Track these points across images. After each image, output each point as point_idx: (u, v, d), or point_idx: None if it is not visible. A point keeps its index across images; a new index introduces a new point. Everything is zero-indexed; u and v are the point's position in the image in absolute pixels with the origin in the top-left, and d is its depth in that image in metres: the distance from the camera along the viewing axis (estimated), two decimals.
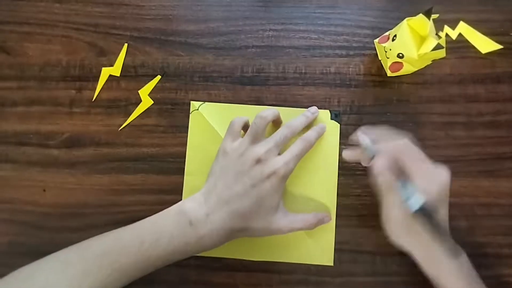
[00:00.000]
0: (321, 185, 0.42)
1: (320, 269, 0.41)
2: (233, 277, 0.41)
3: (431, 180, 0.35)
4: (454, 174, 0.42)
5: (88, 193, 0.43)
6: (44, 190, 0.43)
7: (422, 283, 0.40)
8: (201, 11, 0.46)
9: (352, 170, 0.42)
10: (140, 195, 0.43)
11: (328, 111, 0.43)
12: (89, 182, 0.43)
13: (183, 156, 0.43)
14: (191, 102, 0.43)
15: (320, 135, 0.41)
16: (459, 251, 0.35)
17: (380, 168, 0.35)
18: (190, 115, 0.43)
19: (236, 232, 0.36)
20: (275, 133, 0.38)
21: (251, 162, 0.36)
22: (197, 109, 0.43)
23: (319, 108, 0.43)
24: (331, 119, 0.43)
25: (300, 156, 0.38)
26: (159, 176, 0.43)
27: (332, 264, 0.41)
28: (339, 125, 0.43)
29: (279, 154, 0.37)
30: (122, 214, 0.42)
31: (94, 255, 0.33)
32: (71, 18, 0.46)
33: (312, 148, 0.41)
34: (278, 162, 0.36)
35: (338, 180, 0.42)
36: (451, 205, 0.42)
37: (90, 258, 0.33)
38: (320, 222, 0.39)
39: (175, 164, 0.43)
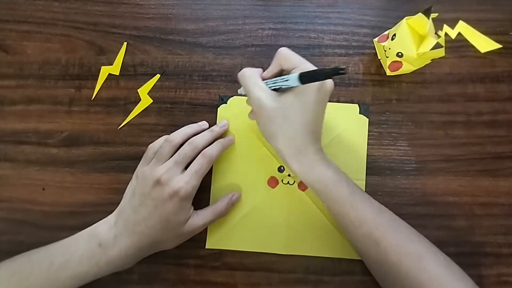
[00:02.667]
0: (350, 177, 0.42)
1: (319, 268, 0.41)
2: (232, 277, 0.41)
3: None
4: (454, 174, 0.42)
5: (87, 192, 0.43)
6: (43, 189, 0.43)
7: None
8: (201, 10, 0.45)
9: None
10: None
11: (357, 105, 0.43)
12: (88, 181, 0.43)
13: None
14: (220, 95, 0.43)
15: (225, 148, 0.41)
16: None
17: (241, 72, 0.36)
18: (218, 109, 0.43)
19: (147, 249, 0.37)
20: (177, 151, 0.38)
21: (152, 183, 0.36)
22: (226, 103, 0.43)
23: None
24: (360, 113, 0.43)
25: (202, 172, 0.38)
26: None
27: (360, 257, 0.40)
28: (367, 119, 0.43)
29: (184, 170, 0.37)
30: None
31: (5, 274, 0.35)
32: (70, 16, 0.46)
33: (341, 142, 0.41)
34: (179, 182, 0.36)
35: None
36: (451, 205, 0.42)
37: (0, 276, 0.35)
38: (229, 204, 0.40)
39: None
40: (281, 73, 0.37)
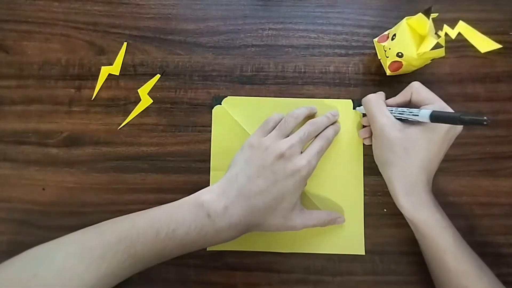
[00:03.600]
0: (346, 174, 0.42)
1: (319, 268, 0.41)
2: (232, 277, 0.41)
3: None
4: (454, 174, 0.42)
5: (87, 192, 0.43)
6: (43, 189, 0.43)
7: (421, 282, 0.40)
8: (201, 10, 0.45)
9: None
10: (139, 194, 0.43)
11: (350, 100, 0.43)
12: (88, 181, 0.43)
13: (182, 155, 0.43)
14: (214, 96, 0.43)
15: (337, 133, 0.41)
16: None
17: (366, 98, 0.38)
18: (213, 109, 0.43)
19: (253, 226, 0.36)
20: (300, 129, 0.38)
21: (275, 156, 0.35)
22: (220, 103, 0.43)
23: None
24: (354, 108, 0.43)
25: (321, 154, 0.38)
26: (158, 175, 0.43)
27: (363, 253, 0.41)
28: (361, 114, 0.43)
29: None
30: (121, 213, 0.42)
31: (110, 241, 0.32)
32: (70, 16, 0.46)
33: (336, 138, 0.42)
34: (301, 161, 0.36)
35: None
36: (451, 205, 0.42)
37: (106, 243, 0.32)
38: (332, 221, 0.40)
39: (174, 163, 0.43)
40: (407, 104, 0.38)
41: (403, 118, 0.36)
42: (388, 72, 0.42)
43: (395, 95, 0.40)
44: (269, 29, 0.45)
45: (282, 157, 0.35)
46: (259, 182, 0.35)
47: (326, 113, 0.41)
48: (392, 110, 0.37)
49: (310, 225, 0.38)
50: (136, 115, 0.44)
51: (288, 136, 0.37)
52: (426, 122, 0.34)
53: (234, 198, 0.35)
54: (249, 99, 0.43)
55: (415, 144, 0.34)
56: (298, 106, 0.41)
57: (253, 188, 0.35)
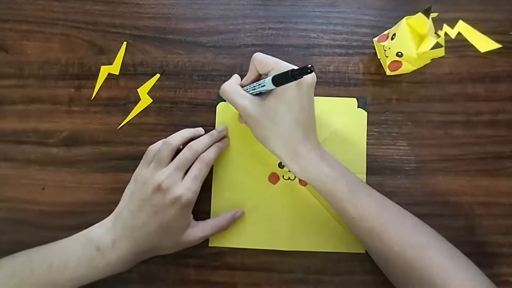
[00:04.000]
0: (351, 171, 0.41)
1: (319, 268, 0.41)
2: (232, 277, 0.41)
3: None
4: (454, 173, 0.42)
5: (87, 192, 0.43)
6: (43, 189, 0.43)
7: None
8: (200, 10, 0.45)
9: None
10: None
11: (355, 99, 0.43)
12: (88, 181, 0.43)
13: None
14: (218, 93, 0.42)
15: (221, 150, 0.41)
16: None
17: (221, 89, 0.37)
18: (217, 106, 0.43)
19: (146, 253, 0.37)
20: (177, 156, 0.38)
21: (152, 189, 0.36)
22: (224, 100, 0.43)
23: None
24: (358, 107, 0.43)
25: (202, 176, 0.38)
26: None
27: (363, 251, 0.41)
28: (366, 113, 0.43)
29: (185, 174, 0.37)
30: None
31: (5, 275, 0.35)
32: (70, 16, 0.46)
33: (340, 137, 0.42)
34: (180, 189, 0.36)
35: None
36: (451, 205, 0.42)
37: (0, 278, 0.35)
38: (231, 220, 0.40)
39: None
40: (258, 78, 0.38)
41: (256, 92, 0.36)
42: (388, 72, 0.42)
43: (395, 95, 0.40)
44: (269, 28, 0.45)
45: (159, 189, 0.36)
46: (141, 216, 0.36)
47: (212, 131, 0.41)
48: (247, 89, 0.37)
49: (209, 235, 0.39)
50: (136, 115, 0.44)
51: (164, 164, 0.37)
52: (275, 88, 0.34)
53: (121, 232, 0.36)
54: None
55: (276, 111, 0.34)
56: None
57: (136, 222, 0.36)
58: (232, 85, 0.37)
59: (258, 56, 0.36)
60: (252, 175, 0.42)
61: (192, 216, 0.38)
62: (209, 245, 0.41)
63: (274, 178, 0.42)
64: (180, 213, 0.36)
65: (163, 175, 0.36)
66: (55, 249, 0.36)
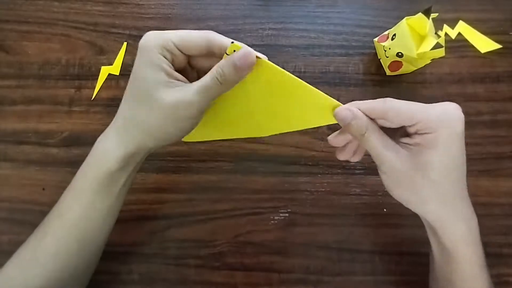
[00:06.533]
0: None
1: (319, 268, 0.41)
2: (232, 277, 0.41)
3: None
4: None
5: None
6: (43, 189, 0.43)
7: (421, 282, 0.40)
8: (201, 10, 0.46)
9: (351, 169, 0.42)
10: (140, 194, 0.42)
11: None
12: None
13: (182, 155, 0.43)
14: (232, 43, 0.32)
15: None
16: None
17: (350, 112, 0.29)
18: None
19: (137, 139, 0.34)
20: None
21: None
22: None
23: None
24: None
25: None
26: (159, 175, 0.43)
27: (334, 121, 0.32)
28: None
29: None
30: (121, 213, 0.42)
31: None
32: (70, 16, 0.46)
33: None
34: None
35: (336, 179, 0.42)
36: None
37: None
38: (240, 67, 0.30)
39: (174, 163, 0.43)
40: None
41: None
42: (388, 72, 0.42)
43: (394, 95, 0.39)
44: (269, 29, 0.45)
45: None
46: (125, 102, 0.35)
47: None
48: None
49: (197, 102, 0.30)
50: None
51: None
52: (419, 143, 0.29)
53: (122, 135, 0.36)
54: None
55: (428, 169, 0.29)
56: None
57: (126, 114, 0.35)
58: (374, 127, 0.30)
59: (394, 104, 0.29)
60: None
61: (174, 78, 0.31)
62: (183, 140, 0.36)
63: None
64: (141, 59, 0.31)
65: None
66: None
